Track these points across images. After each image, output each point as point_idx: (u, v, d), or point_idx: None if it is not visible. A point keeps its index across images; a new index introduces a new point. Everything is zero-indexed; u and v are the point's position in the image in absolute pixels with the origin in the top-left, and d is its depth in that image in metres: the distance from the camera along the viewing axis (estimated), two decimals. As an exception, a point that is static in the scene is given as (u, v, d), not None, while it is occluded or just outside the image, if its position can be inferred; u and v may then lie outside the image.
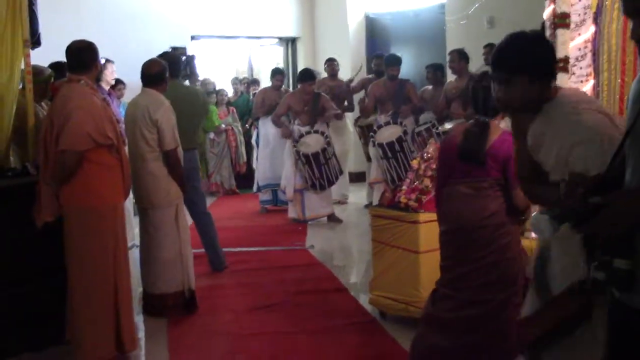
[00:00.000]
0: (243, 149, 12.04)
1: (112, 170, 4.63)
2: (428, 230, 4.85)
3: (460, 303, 3.81)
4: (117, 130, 4.66)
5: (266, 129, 9.96)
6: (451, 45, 10.01)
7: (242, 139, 12.05)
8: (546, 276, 2.78)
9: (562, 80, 5.36)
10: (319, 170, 8.74)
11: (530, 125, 2.77)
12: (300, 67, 12.98)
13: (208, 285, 6.27)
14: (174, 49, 7.36)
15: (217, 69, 14.57)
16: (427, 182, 5.11)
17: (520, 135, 2.84)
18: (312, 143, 8.82)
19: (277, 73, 10.32)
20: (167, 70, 5.67)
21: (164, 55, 6.51)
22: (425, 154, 5.38)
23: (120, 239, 4.70)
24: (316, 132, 8.91)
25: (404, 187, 5.29)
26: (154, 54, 6.50)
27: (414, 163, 5.42)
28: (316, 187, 8.83)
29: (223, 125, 11.72)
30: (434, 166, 5.17)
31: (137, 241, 6.93)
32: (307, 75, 9.14)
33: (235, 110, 12.05)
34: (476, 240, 3.78)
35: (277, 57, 14.23)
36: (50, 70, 6.04)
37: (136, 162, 5.35)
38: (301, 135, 8.85)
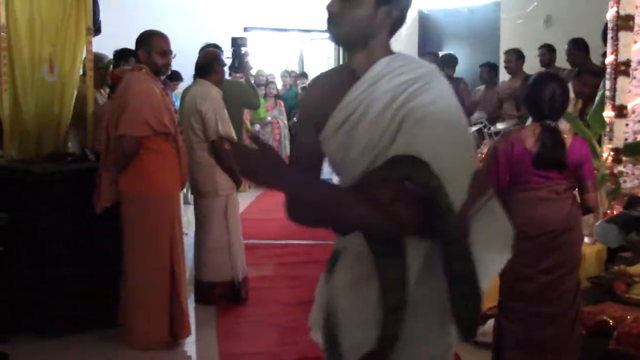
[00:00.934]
0: (287, 142, 12.11)
1: (169, 158, 4.74)
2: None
3: (551, 317, 3.82)
4: (174, 119, 4.77)
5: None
6: (505, 44, 9.95)
7: (287, 132, 12.13)
8: (334, 328, 2.11)
9: (623, 84, 5.35)
10: None
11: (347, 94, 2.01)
12: (351, 63, 13.01)
13: (256, 276, 6.34)
14: (235, 40, 7.42)
15: (269, 62, 14.65)
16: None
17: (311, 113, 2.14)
18: None
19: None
20: (218, 61, 5.74)
21: (202, 48, 6.65)
22: (479, 154, 5.40)
23: (177, 226, 4.82)
24: None
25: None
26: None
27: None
28: None
29: (269, 118, 11.81)
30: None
31: (185, 229, 7.07)
32: None
33: (282, 104, 12.12)
34: (561, 245, 3.79)
35: (328, 52, 14.27)
36: (109, 57, 6.20)
37: (187, 151, 5.47)
38: None
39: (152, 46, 4.70)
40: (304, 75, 13.55)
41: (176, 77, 9.05)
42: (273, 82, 12.18)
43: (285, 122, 12.11)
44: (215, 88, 5.61)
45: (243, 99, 6.95)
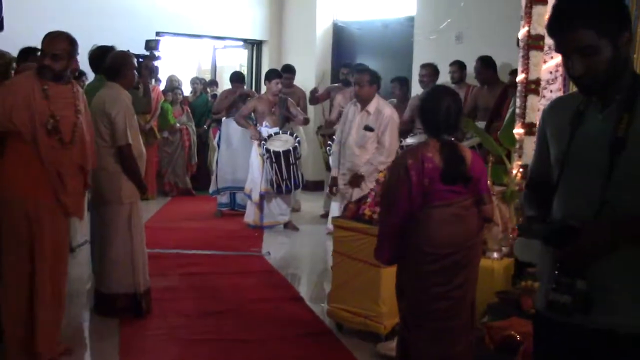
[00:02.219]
0: (195, 150, 11.92)
1: (28, 162, 4.47)
2: (391, 244, 4.84)
3: (460, 330, 3.84)
4: (35, 121, 4.43)
5: (228, 131, 9.84)
6: (418, 58, 10.08)
7: (195, 139, 11.93)
8: None
9: (533, 102, 5.46)
10: (287, 171, 8.58)
11: None
12: (264, 71, 12.94)
13: (161, 287, 6.16)
14: (148, 42, 7.24)
15: (181, 67, 14.40)
16: (393, 195, 5.10)
17: None
18: (283, 142, 8.70)
19: (234, 79, 10.31)
20: (129, 63, 5.56)
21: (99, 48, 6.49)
22: (392, 167, 5.39)
23: (45, 237, 4.53)
24: (285, 132, 8.85)
25: (369, 200, 5.29)
26: (120, 47, 6.45)
27: (380, 176, 5.42)
28: (282, 190, 8.70)
29: (178, 124, 11.58)
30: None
31: (87, 236, 6.84)
32: (274, 74, 9.09)
33: (189, 110, 11.89)
34: (470, 260, 3.82)
35: (241, 59, 14.15)
36: (11, 55, 5.96)
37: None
38: (270, 136, 8.74)
39: (43, 46, 4.55)
40: (214, 82, 13.37)
41: (79, 75, 8.71)
42: (179, 88, 11.90)
43: (194, 128, 11.88)
44: (125, 92, 5.43)
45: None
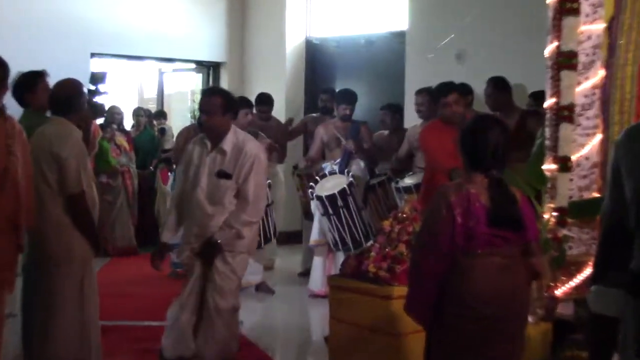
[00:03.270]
0: (136, 196, 11.78)
1: None
2: (404, 307, 4.84)
3: None
4: None
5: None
6: (411, 81, 10.16)
7: (137, 183, 11.80)
8: None
9: (567, 132, 5.49)
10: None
11: None
12: (223, 99, 12.92)
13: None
14: (94, 75, 7.22)
15: (118, 95, 14.31)
16: (402, 248, 5.14)
17: None
18: None
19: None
20: (82, 95, 5.56)
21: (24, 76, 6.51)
22: (400, 214, 5.42)
23: None
24: None
25: (373, 254, 5.30)
26: (50, 72, 6.47)
27: (386, 224, 5.45)
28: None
29: (118, 166, 11.42)
30: (410, 229, 5.20)
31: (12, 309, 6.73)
32: (243, 103, 9.06)
33: (127, 149, 11.67)
34: (519, 328, 3.94)
35: (193, 85, 14.15)
36: None
37: (36, 205, 5.20)
38: None
39: None
40: (162, 113, 13.27)
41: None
42: (113, 124, 11.56)
43: (135, 170, 11.72)
44: (76, 129, 5.41)
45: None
